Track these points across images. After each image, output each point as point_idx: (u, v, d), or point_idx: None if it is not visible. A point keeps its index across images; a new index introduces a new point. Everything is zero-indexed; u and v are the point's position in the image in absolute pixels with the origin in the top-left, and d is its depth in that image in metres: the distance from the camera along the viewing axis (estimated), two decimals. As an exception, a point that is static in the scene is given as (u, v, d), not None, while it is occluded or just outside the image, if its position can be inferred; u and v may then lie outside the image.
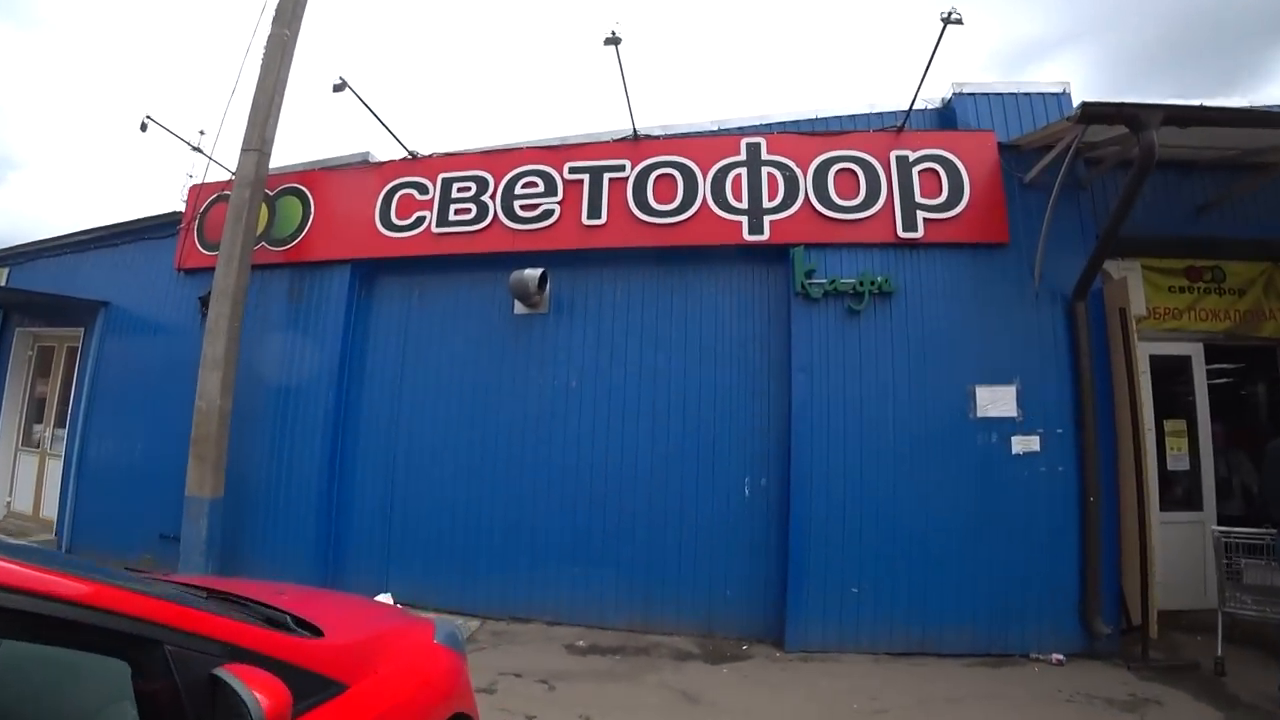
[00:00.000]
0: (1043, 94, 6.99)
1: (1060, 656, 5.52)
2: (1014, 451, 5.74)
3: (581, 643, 5.92)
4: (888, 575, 5.69)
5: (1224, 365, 8.31)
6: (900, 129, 6.37)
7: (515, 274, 6.36)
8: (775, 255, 6.28)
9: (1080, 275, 5.72)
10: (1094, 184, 6.47)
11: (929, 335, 5.92)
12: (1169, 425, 7.04)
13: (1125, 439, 5.69)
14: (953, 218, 6.07)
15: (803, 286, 6.00)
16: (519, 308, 6.80)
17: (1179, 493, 7.10)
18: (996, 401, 5.78)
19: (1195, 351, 7.18)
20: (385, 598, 6.66)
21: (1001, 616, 5.66)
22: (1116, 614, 5.77)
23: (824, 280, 6.02)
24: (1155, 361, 7.15)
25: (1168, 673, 5.34)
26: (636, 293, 6.59)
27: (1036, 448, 5.74)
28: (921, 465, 5.74)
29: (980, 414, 5.78)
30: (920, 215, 6.07)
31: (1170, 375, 7.34)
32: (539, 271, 6.33)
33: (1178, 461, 7.01)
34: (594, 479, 6.36)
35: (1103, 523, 5.65)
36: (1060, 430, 5.78)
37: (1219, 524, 6.83)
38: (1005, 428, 5.78)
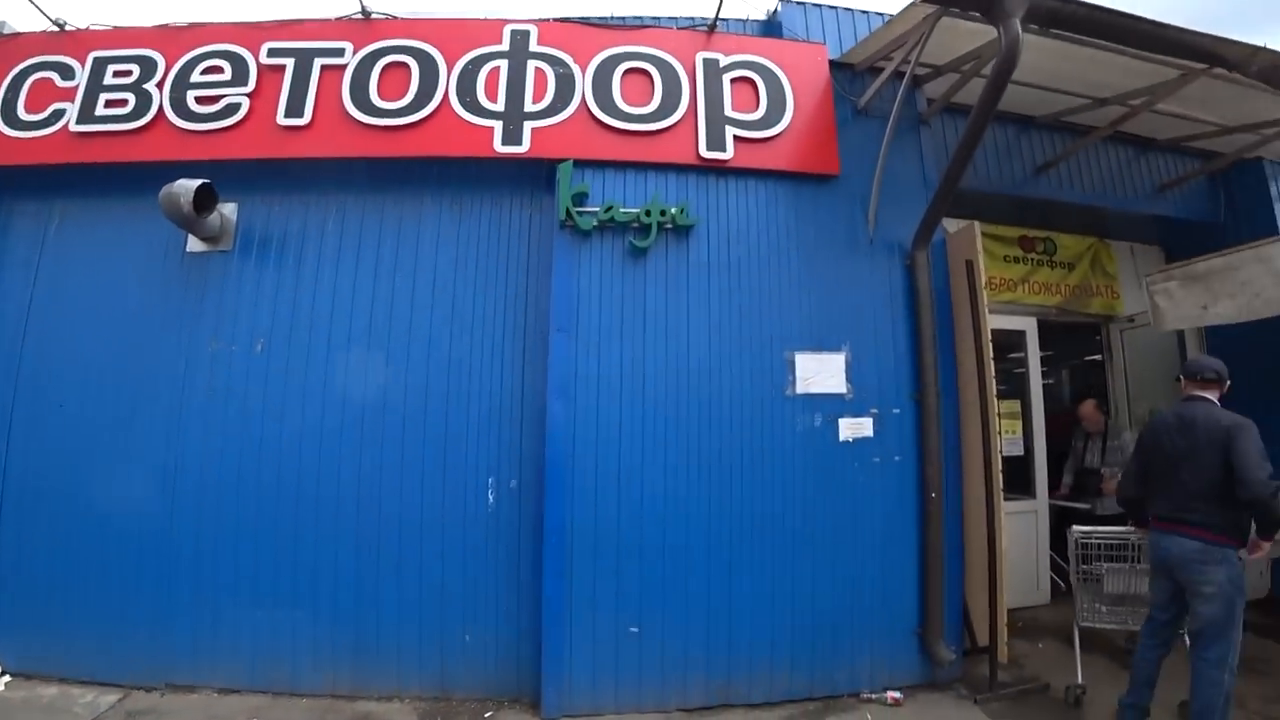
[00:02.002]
0: (885, 16, 5.48)
1: (897, 695, 3.97)
2: (841, 438, 4.12)
3: (254, 724, 3.72)
4: (680, 606, 3.89)
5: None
6: (712, 28, 4.60)
7: (166, 189, 4.01)
8: (540, 176, 4.31)
9: (923, 217, 4.19)
10: (935, 121, 5.04)
11: (737, 285, 4.17)
12: (1004, 406, 5.79)
13: (971, 421, 4.20)
14: (772, 138, 4.37)
15: (569, 214, 4.05)
16: (194, 244, 4.43)
17: (1013, 479, 5.90)
18: (822, 373, 4.13)
19: (1029, 326, 6.00)
20: (-20, 664, 4.14)
21: (828, 649, 4.03)
22: (960, 634, 4.31)
23: (598, 207, 4.10)
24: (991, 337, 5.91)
25: (1019, 702, 3.99)
26: (353, 223, 4.38)
27: (869, 433, 4.15)
28: (725, 458, 3.99)
29: (801, 389, 4.12)
30: (731, 132, 4.31)
31: (1001, 352, 6.12)
32: (197, 183, 4.00)
33: (1012, 446, 5.78)
34: (283, 484, 4.11)
35: (946, 525, 4.15)
36: (897, 410, 4.22)
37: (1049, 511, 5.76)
38: (831, 407, 4.14)
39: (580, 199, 4.08)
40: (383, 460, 4.04)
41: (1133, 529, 3.83)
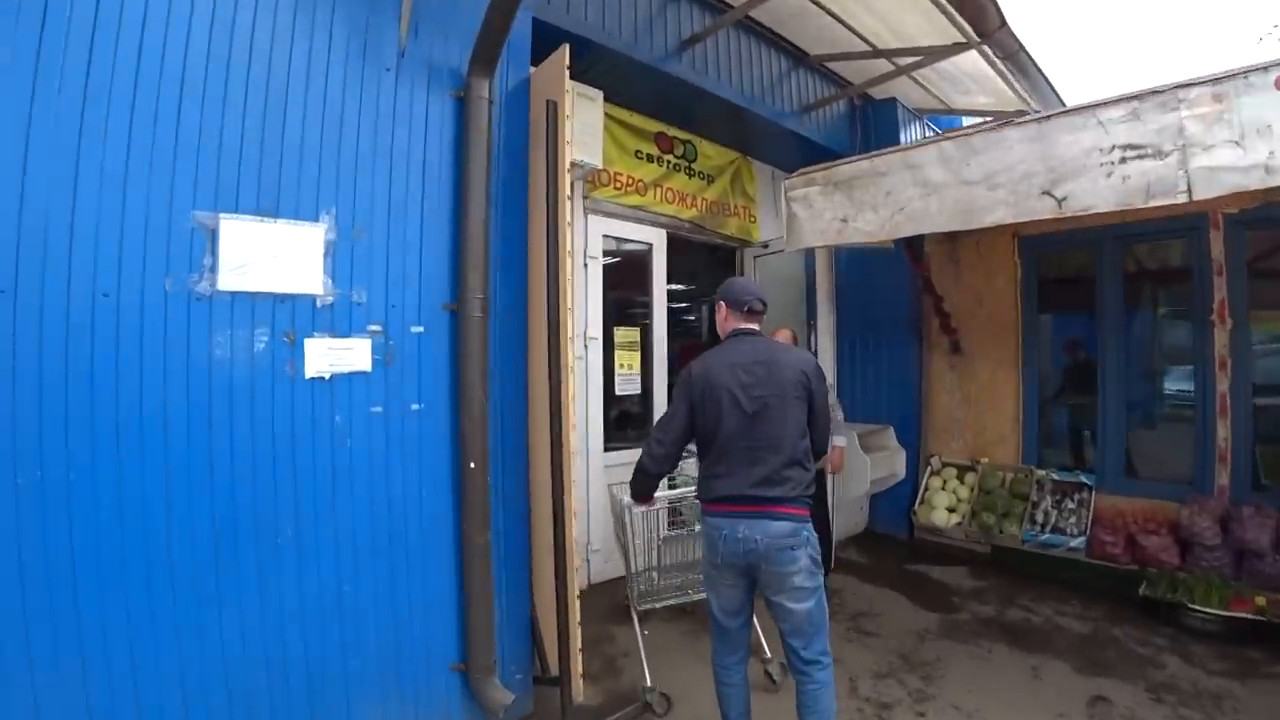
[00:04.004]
0: None
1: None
2: (312, 371, 2.28)
3: None
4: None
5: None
6: None
7: None
8: None
9: (485, 19, 2.48)
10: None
11: (127, 80, 1.94)
12: (621, 334, 4.60)
13: (539, 351, 2.72)
14: None
15: None
16: None
17: (627, 422, 4.82)
18: (278, 258, 2.21)
19: (658, 239, 4.86)
20: None
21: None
22: (528, 659, 2.92)
23: None
24: (611, 247, 4.64)
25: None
26: None
27: (364, 364, 2.39)
28: (53, 404, 1.87)
29: (229, 283, 2.11)
30: None
31: (626, 271, 4.95)
32: None
33: (628, 383, 4.64)
34: None
35: (502, 508, 2.66)
36: (419, 329, 2.52)
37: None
38: (291, 317, 2.24)
39: None
40: None
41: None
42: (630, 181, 4.70)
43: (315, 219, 2.32)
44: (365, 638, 2.43)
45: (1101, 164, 2.51)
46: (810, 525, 2.24)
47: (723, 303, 2.45)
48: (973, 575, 4.62)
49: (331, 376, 2.32)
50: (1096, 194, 2.52)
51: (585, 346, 4.31)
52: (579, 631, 2.66)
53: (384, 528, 2.43)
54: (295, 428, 2.26)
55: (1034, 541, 4.63)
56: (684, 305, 7.89)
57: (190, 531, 2.08)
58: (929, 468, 5.36)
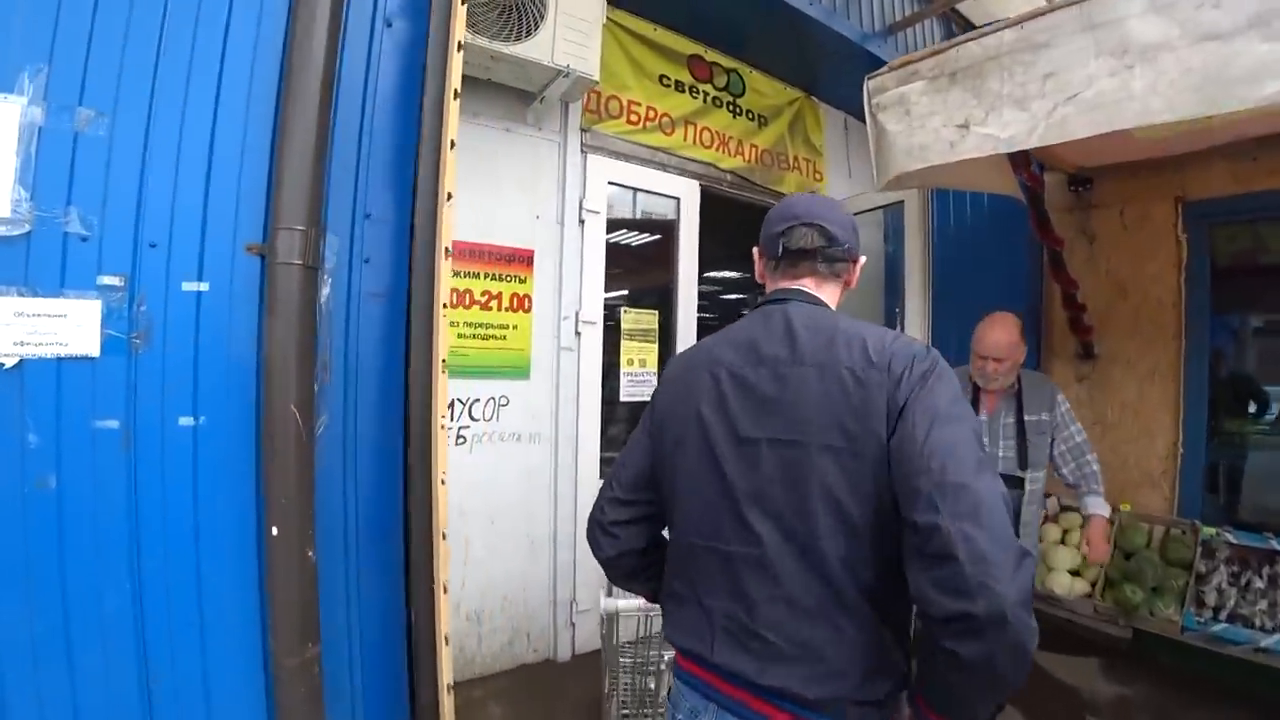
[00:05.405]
0: None
1: None
2: None
3: None
4: None
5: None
6: None
7: None
8: None
9: None
10: None
11: None
12: (630, 319, 3.51)
13: (423, 334, 1.66)
14: None
15: None
16: None
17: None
18: None
19: (688, 193, 3.72)
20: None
21: None
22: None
23: None
24: (620, 202, 3.55)
25: None
26: None
27: (89, 348, 1.38)
28: None
29: None
30: None
31: (638, 229, 3.86)
32: None
33: (639, 385, 3.55)
34: None
35: (348, 610, 1.62)
36: (202, 286, 1.49)
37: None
38: None
39: None
40: None
41: None
42: (651, 115, 3.58)
43: (8, 89, 1.31)
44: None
45: None
46: None
47: (755, 249, 1.27)
48: (1109, 674, 3.34)
49: (22, 363, 1.31)
50: None
51: (577, 334, 3.23)
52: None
53: (125, 632, 1.42)
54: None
55: (1200, 633, 3.30)
56: (738, 295, 6.75)
57: None
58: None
